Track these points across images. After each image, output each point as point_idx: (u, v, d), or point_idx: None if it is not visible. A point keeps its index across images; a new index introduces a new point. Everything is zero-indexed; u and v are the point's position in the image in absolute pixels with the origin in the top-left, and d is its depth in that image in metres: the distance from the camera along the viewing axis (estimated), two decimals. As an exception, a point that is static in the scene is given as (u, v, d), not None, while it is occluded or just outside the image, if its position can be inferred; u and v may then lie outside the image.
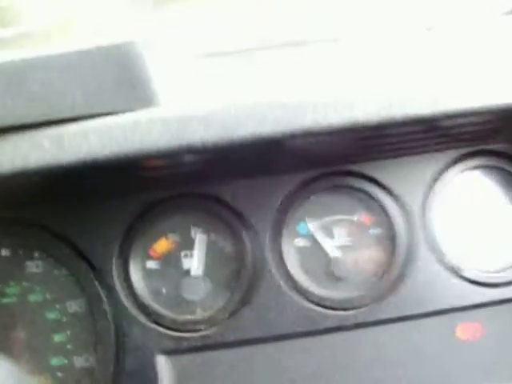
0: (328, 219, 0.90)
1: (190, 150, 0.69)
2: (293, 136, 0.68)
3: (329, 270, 0.88)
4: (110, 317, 0.88)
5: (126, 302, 0.88)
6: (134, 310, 0.88)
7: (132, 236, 0.88)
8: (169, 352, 0.86)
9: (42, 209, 0.89)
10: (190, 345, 0.86)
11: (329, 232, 0.90)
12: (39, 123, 0.70)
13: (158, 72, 0.72)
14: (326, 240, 0.89)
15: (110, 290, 0.88)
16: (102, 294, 0.88)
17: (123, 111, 0.70)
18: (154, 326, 0.87)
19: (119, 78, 0.71)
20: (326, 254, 0.89)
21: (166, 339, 0.86)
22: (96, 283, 0.88)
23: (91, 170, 0.73)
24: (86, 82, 0.70)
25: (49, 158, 0.69)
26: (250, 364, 0.87)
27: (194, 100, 0.73)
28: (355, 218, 0.90)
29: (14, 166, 0.69)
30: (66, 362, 0.91)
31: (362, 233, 0.90)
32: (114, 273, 0.88)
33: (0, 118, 0.70)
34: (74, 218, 0.89)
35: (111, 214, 0.88)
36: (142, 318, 0.87)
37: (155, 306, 0.88)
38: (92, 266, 0.88)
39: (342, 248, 0.89)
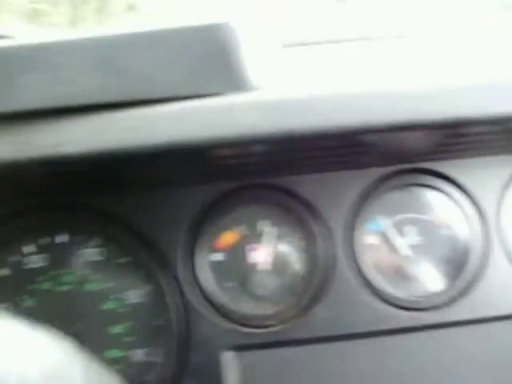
0: (400, 217, 0.87)
1: (288, 136, 0.66)
2: (398, 127, 0.65)
3: (400, 269, 0.86)
4: (173, 309, 0.84)
5: (191, 294, 0.84)
6: (199, 303, 0.84)
7: (199, 227, 0.85)
8: (236, 348, 0.83)
9: (106, 195, 0.86)
10: (258, 341, 0.83)
11: (400, 230, 0.87)
12: (128, 102, 0.67)
13: (250, 57, 0.69)
14: (398, 238, 0.87)
15: (175, 281, 0.84)
16: (166, 284, 0.85)
17: (216, 94, 0.67)
18: (220, 320, 0.84)
19: (213, 59, 0.68)
20: (397, 253, 0.86)
21: (233, 334, 0.83)
22: (160, 273, 0.85)
23: (171, 155, 0.71)
24: (178, 62, 0.67)
25: (139, 140, 0.65)
26: (319, 362, 0.84)
27: (288, 87, 0.70)
28: (428, 217, 0.87)
29: (97, 146, 0.66)
30: (121, 355, 0.87)
31: (435, 232, 0.87)
32: (180, 263, 0.84)
33: (87, 95, 0.67)
34: (139, 205, 0.85)
35: (179, 204, 0.85)
36: (208, 312, 0.84)
37: (222, 300, 0.85)
38: (156, 256, 0.85)
39: (414, 247, 0.87)
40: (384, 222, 0.87)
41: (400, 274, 0.86)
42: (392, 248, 0.86)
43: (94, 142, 0.66)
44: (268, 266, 0.85)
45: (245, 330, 0.84)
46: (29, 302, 0.88)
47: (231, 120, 0.65)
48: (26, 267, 0.89)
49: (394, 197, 0.87)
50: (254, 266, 0.85)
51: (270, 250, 0.86)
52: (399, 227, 0.87)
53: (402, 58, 0.86)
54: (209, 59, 0.67)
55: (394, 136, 0.73)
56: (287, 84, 0.70)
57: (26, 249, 0.89)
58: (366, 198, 0.85)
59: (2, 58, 0.68)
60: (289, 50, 0.87)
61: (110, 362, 0.87)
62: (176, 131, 0.65)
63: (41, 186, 0.84)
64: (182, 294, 0.84)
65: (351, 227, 0.85)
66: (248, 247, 0.86)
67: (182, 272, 0.84)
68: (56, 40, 0.68)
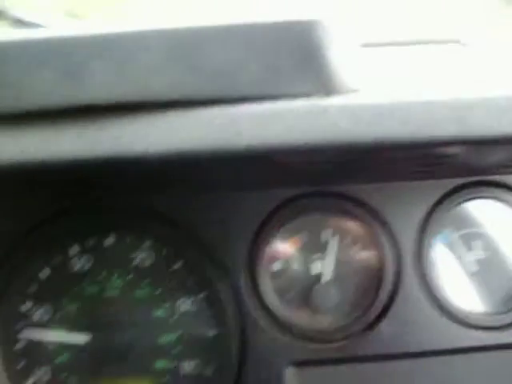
0: (467, 231, 0.83)
1: (383, 145, 0.61)
2: (498, 140, 0.61)
3: (470, 285, 0.82)
4: (229, 320, 0.80)
5: (250, 304, 0.80)
6: (258, 315, 0.79)
7: (260, 234, 0.80)
8: (297, 364, 0.79)
9: (162, 197, 0.81)
10: (320, 357, 0.79)
11: (467, 244, 0.83)
12: (207, 101, 0.62)
13: (340, 57, 0.64)
14: (466, 253, 0.82)
15: (232, 289, 0.80)
16: (223, 293, 0.80)
17: (305, 96, 0.62)
18: (280, 333, 0.79)
19: (303, 58, 0.63)
20: (464, 268, 0.82)
21: (294, 349, 0.79)
22: (217, 280, 0.80)
23: (242, 159, 0.66)
24: (264, 59, 0.62)
25: (221, 141, 0.60)
26: (383, 381, 0.79)
27: (379, 91, 0.65)
28: (495, 231, 0.83)
29: (172, 146, 0.61)
30: (171, 366, 0.82)
31: (502, 247, 0.83)
32: (239, 271, 0.80)
33: (165, 91, 0.62)
34: (198, 209, 0.80)
35: (241, 209, 0.80)
36: (267, 324, 0.79)
37: (282, 312, 0.80)
38: (214, 261, 0.80)
39: (481, 262, 0.83)
40: (452, 236, 0.83)
41: (467, 290, 0.82)
42: (460, 263, 0.82)
43: (169, 142, 0.60)
44: (332, 278, 0.81)
45: (306, 344, 0.79)
46: (70, 307, 0.83)
47: (321, 124, 0.60)
48: (70, 270, 0.84)
49: (463, 210, 0.83)
50: (317, 278, 0.81)
51: (335, 261, 0.81)
52: (466, 241, 0.83)
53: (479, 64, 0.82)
54: (297, 58, 0.62)
55: (480, 148, 0.69)
56: (376, 88, 0.66)
57: (72, 250, 0.83)
58: (436, 211, 0.81)
59: (66, 46, 0.62)
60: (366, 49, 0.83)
61: (158, 374, 0.82)
62: (259, 134, 0.60)
63: (95, 184, 0.79)
64: (239, 303, 0.80)
65: (420, 240, 0.81)
66: (311, 257, 0.82)
67: (240, 280, 0.80)
68: (125, 30, 0.63)
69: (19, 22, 1.05)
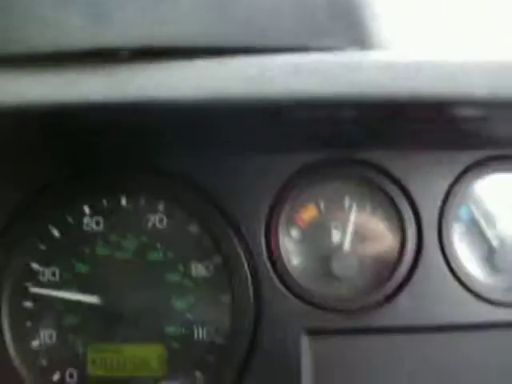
0: (491, 205, 0.81)
1: (418, 101, 0.60)
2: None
3: (490, 261, 0.80)
4: (244, 286, 0.78)
5: (266, 270, 0.78)
6: (274, 281, 0.77)
7: (280, 198, 0.78)
8: (312, 332, 0.77)
9: (177, 157, 0.79)
10: (338, 326, 0.77)
11: (490, 219, 0.81)
12: (242, 49, 0.60)
13: (374, 13, 0.63)
14: (490, 228, 0.81)
15: (251, 254, 0.78)
16: (241, 257, 0.78)
17: (339, 49, 0.60)
18: (296, 300, 0.77)
19: (338, 10, 0.61)
20: (486, 243, 0.81)
21: (309, 317, 0.77)
22: (232, 245, 0.78)
23: (268, 114, 0.64)
24: (300, 10, 0.60)
25: (253, 90, 0.58)
26: (399, 353, 0.77)
27: (413, 48, 0.64)
28: (518, 206, 0.82)
29: (202, 93, 0.59)
30: (183, 331, 0.80)
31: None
32: (260, 237, 0.78)
33: (197, 38, 0.60)
34: (216, 170, 0.78)
35: (260, 172, 0.78)
36: (284, 291, 0.77)
37: (301, 280, 0.78)
38: (230, 225, 0.78)
39: (502, 237, 0.81)
40: (475, 210, 0.81)
41: (489, 266, 0.80)
42: (482, 238, 0.81)
43: (199, 89, 0.58)
44: (352, 247, 0.79)
45: (322, 313, 0.77)
46: (80, 268, 0.81)
47: (356, 78, 0.59)
48: (81, 230, 0.81)
49: (486, 183, 0.81)
50: (336, 246, 0.79)
51: (355, 230, 0.79)
52: (488, 216, 0.82)
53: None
54: (333, 9, 0.60)
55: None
56: (411, 45, 0.65)
57: (83, 211, 0.81)
58: (459, 183, 0.79)
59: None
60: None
61: (169, 339, 0.80)
62: (292, 85, 0.58)
63: (109, 145, 0.76)
64: (255, 269, 0.78)
65: (442, 212, 0.79)
66: (331, 225, 0.80)
67: (257, 246, 0.78)
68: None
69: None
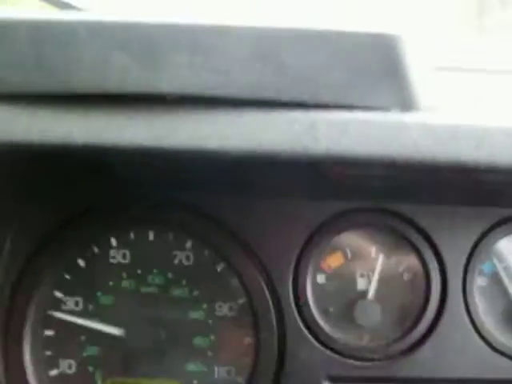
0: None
1: (457, 166, 0.60)
2: None
3: (510, 316, 0.81)
4: (268, 329, 0.78)
5: (291, 315, 0.78)
6: (298, 326, 0.78)
7: (307, 244, 0.79)
8: (335, 379, 0.77)
9: (212, 196, 0.79)
10: (360, 374, 0.77)
11: (510, 276, 0.82)
12: (286, 103, 0.61)
13: (417, 75, 0.64)
14: (509, 284, 0.82)
15: (277, 299, 0.78)
16: (268, 302, 0.78)
17: (383, 108, 0.61)
18: (319, 347, 0.78)
19: (383, 70, 0.62)
20: (507, 298, 0.81)
21: (332, 364, 0.77)
22: (263, 287, 0.78)
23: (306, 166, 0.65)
24: (345, 68, 0.61)
25: (299, 146, 0.59)
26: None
27: (454, 112, 0.65)
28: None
29: (248, 145, 0.59)
30: (203, 370, 0.80)
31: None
32: (287, 281, 0.78)
33: (241, 88, 0.60)
34: (248, 211, 0.79)
35: (290, 218, 0.78)
36: (308, 337, 0.78)
37: (323, 326, 0.79)
38: (261, 268, 0.78)
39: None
40: (498, 265, 0.82)
41: (509, 321, 0.81)
42: (505, 293, 0.81)
43: (249, 141, 0.59)
44: (377, 296, 0.79)
45: (345, 360, 0.78)
46: (105, 300, 0.81)
47: (400, 139, 0.59)
48: (107, 262, 0.82)
49: (510, 240, 0.82)
50: (361, 294, 0.80)
51: (380, 279, 0.80)
52: (510, 272, 0.82)
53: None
54: (380, 70, 0.61)
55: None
56: (451, 109, 0.65)
57: (111, 242, 0.82)
58: (486, 238, 0.80)
59: (146, 32, 0.61)
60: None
61: (189, 377, 0.80)
62: (338, 142, 0.59)
63: (144, 180, 0.77)
64: (280, 313, 0.78)
65: (467, 266, 0.80)
66: (357, 273, 0.80)
67: (284, 290, 0.78)
68: (209, 23, 0.62)
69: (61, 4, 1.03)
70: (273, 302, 0.78)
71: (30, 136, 0.59)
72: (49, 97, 0.58)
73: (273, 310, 0.78)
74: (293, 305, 0.78)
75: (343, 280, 0.80)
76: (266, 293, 0.78)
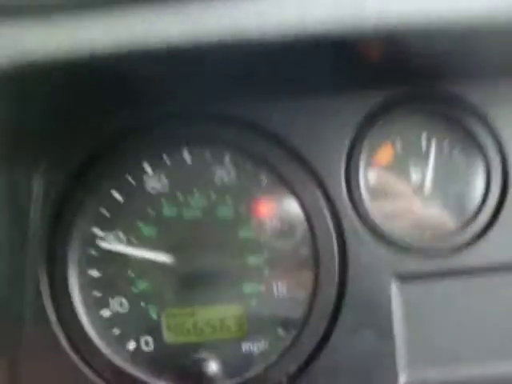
0: None
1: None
2: None
3: None
4: (325, 235, 0.73)
5: (347, 217, 0.73)
6: (356, 227, 0.73)
7: (356, 139, 0.73)
8: (404, 277, 0.73)
9: (245, 102, 0.73)
10: (428, 270, 0.73)
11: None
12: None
13: None
14: None
15: (331, 202, 0.73)
16: (323, 204, 0.74)
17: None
18: (385, 245, 0.73)
19: None
20: None
21: (399, 263, 0.72)
22: (315, 191, 0.73)
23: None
24: None
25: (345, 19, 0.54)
26: (494, 292, 0.74)
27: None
28: None
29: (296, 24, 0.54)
30: (261, 289, 0.76)
31: None
32: (340, 181, 0.73)
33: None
34: (291, 115, 0.73)
35: (336, 113, 0.73)
36: (369, 237, 0.73)
37: (385, 224, 0.74)
38: (310, 171, 0.73)
39: None
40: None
41: None
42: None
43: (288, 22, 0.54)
44: (434, 186, 0.75)
45: (410, 258, 0.73)
46: (147, 231, 0.77)
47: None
48: (145, 190, 0.77)
49: None
50: (418, 186, 0.75)
51: (436, 168, 0.75)
52: None
53: None
54: None
55: None
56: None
57: (146, 169, 0.77)
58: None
59: None
60: None
61: (247, 298, 0.76)
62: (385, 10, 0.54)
63: (174, 91, 0.71)
64: (337, 217, 0.73)
65: None
66: (410, 164, 0.75)
67: (337, 191, 0.73)
68: None
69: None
70: (327, 206, 0.73)
71: (54, 48, 0.54)
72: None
73: (328, 214, 0.73)
74: (349, 205, 0.73)
75: (396, 174, 0.75)
76: (319, 196, 0.73)
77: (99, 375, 0.75)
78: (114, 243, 0.76)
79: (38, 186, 0.75)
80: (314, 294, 0.74)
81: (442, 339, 0.74)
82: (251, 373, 0.75)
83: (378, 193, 0.75)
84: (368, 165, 0.75)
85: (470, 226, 0.74)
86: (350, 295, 0.72)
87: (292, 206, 0.75)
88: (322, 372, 0.72)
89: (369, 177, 0.75)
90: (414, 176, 0.75)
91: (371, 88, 0.73)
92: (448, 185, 0.75)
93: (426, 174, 0.75)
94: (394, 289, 0.73)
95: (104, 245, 0.77)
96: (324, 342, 0.73)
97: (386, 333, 0.72)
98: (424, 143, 0.75)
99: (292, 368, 0.74)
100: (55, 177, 0.75)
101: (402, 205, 0.75)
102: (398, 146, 0.75)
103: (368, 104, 0.73)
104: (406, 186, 0.75)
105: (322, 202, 0.73)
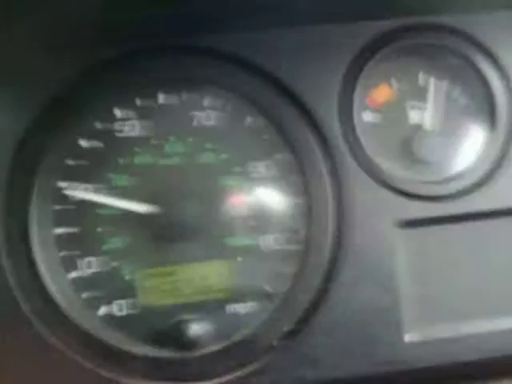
0: None
1: None
2: None
3: None
4: (326, 178, 0.66)
5: (344, 160, 0.66)
6: (357, 171, 0.66)
7: (352, 76, 0.67)
8: (406, 223, 0.66)
9: (228, 33, 0.66)
10: (430, 215, 0.66)
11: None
12: None
13: None
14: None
15: (327, 143, 0.66)
16: (317, 147, 0.66)
17: None
18: (386, 190, 0.66)
19: None
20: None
21: (401, 207, 0.66)
22: (307, 132, 0.66)
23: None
24: None
25: None
26: (499, 236, 0.68)
27: None
28: None
29: None
30: (248, 242, 0.68)
31: None
32: (334, 121, 0.66)
33: None
34: (276, 46, 0.66)
35: (330, 46, 0.66)
36: (368, 180, 0.66)
37: (383, 166, 0.67)
38: (302, 111, 0.66)
39: None
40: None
41: None
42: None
43: None
44: (434, 126, 0.68)
45: (412, 202, 0.66)
46: (119, 181, 0.68)
47: None
48: (119, 136, 0.68)
49: None
50: (417, 127, 0.69)
51: (436, 107, 0.69)
52: None
53: None
54: None
55: None
56: None
57: (120, 112, 0.68)
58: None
59: None
60: None
61: (233, 252, 0.68)
62: None
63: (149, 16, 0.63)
64: (331, 160, 0.66)
65: None
66: (407, 105, 0.69)
67: (331, 132, 0.66)
68: None
69: None
70: (320, 147, 0.66)
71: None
72: None
73: (321, 156, 0.66)
74: (345, 147, 0.66)
75: (395, 114, 0.69)
76: (311, 137, 0.66)
77: (66, 344, 0.66)
78: (81, 195, 0.68)
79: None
80: (307, 245, 0.67)
81: (448, 292, 0.68)
82: (239, 335, 0.67)
83: (374, 135, 0.68)
84: (362, 106, 0.68)
85: (474, 170, 0.68)
86: (347, 245, 0.65)
87: (280, 149, 0.68)
88: (318, 331, 0.65)
89: (367, 117, 0.68)
90: (412, 117, 0.69)
91: (366, 19, 0.66)
92: (450, 125, 0.69)
93: (424, 114, 0.69)
94: (396, 237, 0.66)
95: (71, 197, 0.68)
96: (320, 299, 0.66)
97: (389, 285, 0.65)
98: (421, 81, 0.69)
99: (285, 328, 0.66)
100: (14, 121, 0.66)
101: (401, 147, 0.68)
102: (394, 85, 0.69)
103: (363, 36, 0.67)
104: (404, 127, 0.69)
105: (314, 143, 0.66)
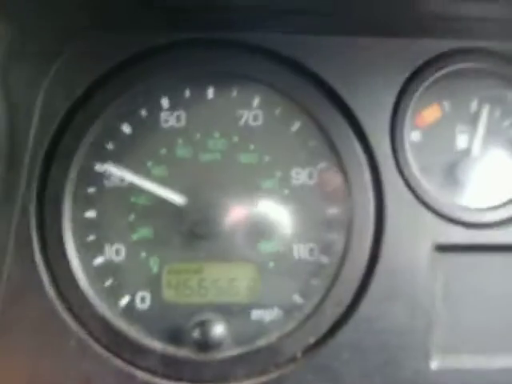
0: None
1: None
2: None
3: None
4: (360, 194, 0.65)
5: (395, 177, 0.65)
6: (403, 189, 0.65)
7: (403, 98, 0.66)
8: (443, 247, 0.65)
9: (284, 36, 0.65)
10: (469, 242, 0.65)
11: None
12: None
13: None
14: None
15: (375, 159, 0.65)
16: (363, 159, 0.65)
17: None
18: (426, 210, 0.65)
19: None
20: None
21: (439, 230, 0.65)
22: (355, 144, 0.65)
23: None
24: None
25: None
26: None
27: None
28: None
29: None
30: (281, 249, 0.67)
31: None
32: (384, 136, 0.65)
33: None
34: (334, 54, 0.65)
35: (387, 60, 0.65)
36: (409, 199, 0.65)
37: (429, 187, 0.66)
38: (351, 121, 0.65)
39: None
40: None
41: None
42: None
43: None
44: (482, 153, 0.67)
45: (452, 226, 0.65)
46: (161, 170, 0.67)
47: None
48: (164, 126, 0.67)
49: None
50: (464, 152, 0.68)
51: (485, 134, 0.68)
52: None
53: None
54: None
55: None
56: None
57: (168, 102, 0.67)
58: None
59: None
60: None
61: (264, 257, 0.67)
62: None
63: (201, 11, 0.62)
64: (376, 174, 0.65)
65: None
66: (459, 129, 0.68)
67: (380, 146, 0.65)
68: None
69: None
70: (367, 161, 0.65)
71: None
72: None
73: (368, 170, 0.65)
74: (392, 164, 0.65)
75: (441, 137, 0.68)
76: (359, 149, 0.65)
77: (83, 326, 0.64)
78: (118, 180, 0.67)
79: (38, 109, 0.65)
80: (342, 258, 0.65)
81: (480, 323, 0.66)
82: (262, 342, 0.65)
83: (421, 154, 0.67)
84: (411, 125, 0.67)
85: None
86: (383, 262, 0.64)
87: (326, 158, 0.67)
88: (343, 347, 0.63)
89: (414, 137, 0.67)
90: (460, 141, 0.68)
91: (426, 38, 0.65)
92: (496, 155, 0.68)
93: (475, 141, 0.67)
94: (434, 260, 0.64)
95: (106, 182, 0.67)
96: (349, 314, 0.64)
97: (421, 309, 0.64)
98: (474, 108, 0.68)
99: (310, 340, 0.64)
100: (56, 100, 0.65)
101: (447, 170, 0.67)
102: (445, 107, 0.68)
103: (424, 56, 0.66)
104: (451, 150, 0.68)
105: (362, 156, 0.65)
